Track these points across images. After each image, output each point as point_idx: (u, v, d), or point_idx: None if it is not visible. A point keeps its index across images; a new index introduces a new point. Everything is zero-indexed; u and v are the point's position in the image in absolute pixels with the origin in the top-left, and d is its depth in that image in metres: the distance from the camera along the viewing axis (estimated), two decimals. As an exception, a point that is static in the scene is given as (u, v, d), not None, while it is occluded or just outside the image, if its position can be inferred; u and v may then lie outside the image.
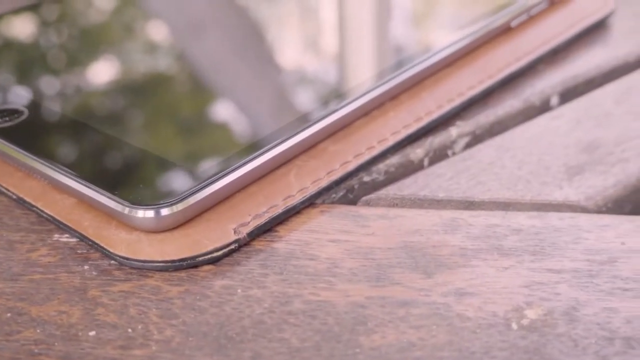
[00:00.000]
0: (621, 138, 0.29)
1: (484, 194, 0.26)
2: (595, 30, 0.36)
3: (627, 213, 0.26)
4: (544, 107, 0.31)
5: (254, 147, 0.25)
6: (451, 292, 0.22)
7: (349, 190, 0.27)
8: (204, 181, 0.24)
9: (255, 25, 0.35)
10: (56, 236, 0.25)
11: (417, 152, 0.28)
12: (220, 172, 0.24)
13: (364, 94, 0.28)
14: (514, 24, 0.33)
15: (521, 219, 0.25)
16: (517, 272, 0.23)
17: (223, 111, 0.29)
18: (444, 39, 0.31)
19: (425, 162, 0.28)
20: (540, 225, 0.24)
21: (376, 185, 0.27)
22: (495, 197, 0.26)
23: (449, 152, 0.29)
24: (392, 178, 0.27)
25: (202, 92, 0.30)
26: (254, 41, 0.33)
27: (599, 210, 0.26)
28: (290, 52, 0.33)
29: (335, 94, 0.28)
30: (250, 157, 0.25)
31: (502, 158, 0.28)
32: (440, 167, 0.28)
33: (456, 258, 0.23)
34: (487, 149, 0.28)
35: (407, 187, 0.27)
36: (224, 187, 0.24)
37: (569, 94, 0.32)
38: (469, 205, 0.26)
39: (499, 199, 0.26)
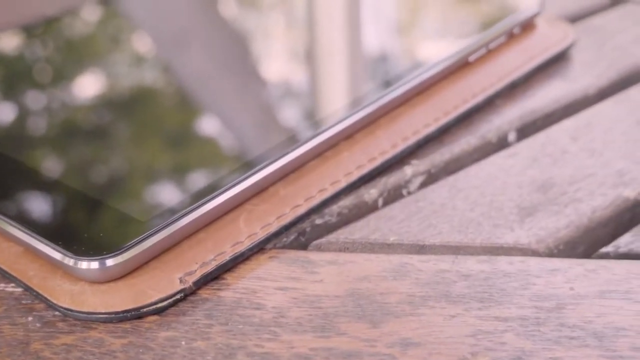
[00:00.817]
0: (575, 176, 0.28)
1: (434, 237, 0.26)
2: (555, 62, 0.36)
3: (579, 254, 0.26)
4: (500, 144, 0.31)
5: (201, 193, 0.25)
6: (397, 342, 0.22)
7: (300, 233, 0.26)
8: (150, 230, 0.24)
9: (202, 74, 0.35)
10: (1, 285, 0.24)
11: (371, 192, 0.28)
12: (167, 220, 0.24)
13: (317, 135, 0.28)
14: (472, 58, 0.33)
15: (471, 264, 0.25)
16: (464, 321, 0.22)
17: (169, 158, 0.29)
18: (400, 76, 0.31)
19: (380, 202, 0.28)
20: (490, 270, 0.24)
21: (329, 228, 0.27)
22: (445, 241, 0.26)
23: (404, 192, 0.29)
24: (345, 220, 0.27)
25: (148, 139, 0.30)
26: (202, 86, 0.33)
27: (550, 253, 0.26)
28: (240, 95, 0.33)
29: (287, 136, 0.28)
30: (198, 203, 0.25)
31: (455, 199, 0.28)
32: (393, 208, 0.27)
33: (404, 306, 0.23)
34: (440, 190, 0.28)
35: (359, 230, 0.26)
36: (171, 235, 0.24)
37: (526, 130, 0.32)
38: (420, 249, 0.26)
39: (449, 243, 0.26)
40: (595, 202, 0.27)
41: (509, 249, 0.25)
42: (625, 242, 0.26)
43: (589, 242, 0.26)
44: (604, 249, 0.26)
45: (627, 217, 0.28)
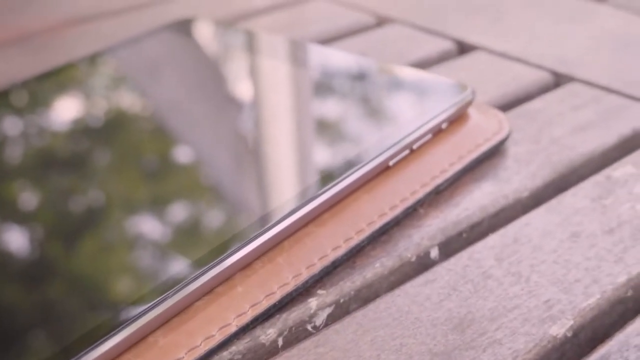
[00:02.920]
0: (497, 310, 0.26)
1: (332, 396, 0.23)
2: (488, 158, 0.33)
3: (497, 410, 0.23)
4: (420, 263, 0.28)
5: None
6: None
7: (183, 388, 0.23)
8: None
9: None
10: None
11: (268, 333, 0.25)
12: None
13: (208, 270, 0.25)
14: (392, 162, 0.30)
15: None
16: None
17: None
18: (306, 191, 0.28)
19: (280, 342, 0.25)
20: None
21: (218, 379, 0.24)
22: (344, 402, 0.23)
23: (309, 327, 0.26)
24: (238, 367, 0.24)
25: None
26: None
27: (462, 414, 0.23)
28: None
29: (169, 276, 0.25)
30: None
31: (360, 343, 0.25)
32: (291, 356, 0.24)
33: None
34: (345, 330, 0.25)
35: (250, 384, 0.23)
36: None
37: (450, 245, 0.29)
38: (314, 412, 0.23)
39: (348, 404, 0.23)
40: (518, 344, 0.24)
41: (415, 412, 0.22)
42: (547, 398, 0.23)
43: (509, 395, 0.23)
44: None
45: (553, 358, 0.25)
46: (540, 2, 0.49)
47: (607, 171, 0.32)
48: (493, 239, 0.29)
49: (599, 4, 0.49)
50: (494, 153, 0.33)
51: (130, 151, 0.32)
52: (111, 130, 0.34)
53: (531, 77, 0.40)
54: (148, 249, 0.26)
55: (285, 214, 0.27)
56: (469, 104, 0.33)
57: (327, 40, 0.45)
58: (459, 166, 0.31)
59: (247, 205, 0.29)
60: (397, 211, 0.29)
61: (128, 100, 0.37)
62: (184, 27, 0.41)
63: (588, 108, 0.37)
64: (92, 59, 0.38)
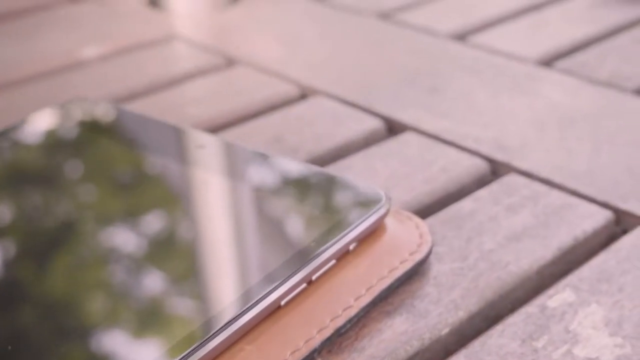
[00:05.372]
0: None
1: None
2: (405, 282, 0.28)
3: None
4: None
5: None
6: None
7: None
8: None
9: None
10: None
11: None
12: None
13: None
14: (285, 301, 0.26)
15: None
16: None
17: None
18: None
19: None
20: None
21: None
22: None
23: None
24: None
25: None
26: None
27: None
28: None
29: None
30: None
31: None
32: None
33: None
34: None
35: None
36: None
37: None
38: None
39: None
40: None
41: None
42: None
43: None
44: None
45: None
46: (480, 68, 0.45)
47: (542, 299, 0.28)
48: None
49: (544, 70, 0.44)
50: (413, 275, 0.29)
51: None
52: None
53: (464, 166, 0.35)
54: None
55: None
56: (382, 217, 0.29)
57: (242, 117, 0.41)
58: (367, 299, 0.27)
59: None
60: (287, 366, 0.24)
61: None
62: (69, 109, 0.36)
63: (525, 209, 0.32)
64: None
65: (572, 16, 0.52)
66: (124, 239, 0.29)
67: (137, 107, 0.41)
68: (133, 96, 0.43)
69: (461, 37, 0.49)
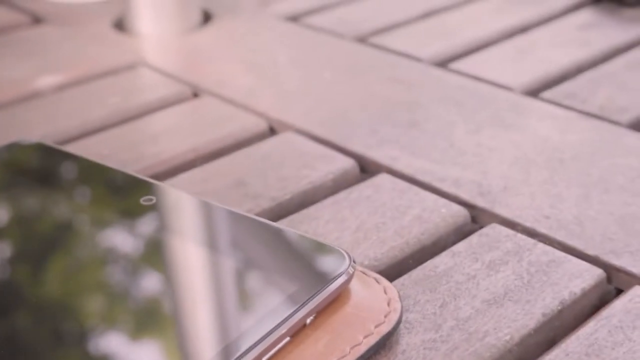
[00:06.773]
0: None
1: None
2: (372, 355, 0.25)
3: None
4: None
5: None
6: None
7: None
8: None
9: None
10: None
11: None
12: None
13: None
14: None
15: None
16: None
17: None
18: None
19: None
20: None
21: None
22: None
23: None
24: None
25: None
26: None
27: None
28: None
29: None
30: None
31: None
32: None
33: None
34: None
35: None
36: None
37: None
38: None
39: None
40: None
41: None
42: None
43: None
44: None
45: None
46: (462, 99, 0.41)
47: (523, 378, 0.25)
48: None
49: (530, 101, 0.41)
50: (381, 348, 0.25)
51: None
52: None
53: (441, 215, 0.32)
54: None
55: None
56: (345, 284, 0.26)
57: (204, 156, 0.37)
58: (325, 382, 0.24)
59: None
60: None
61: None
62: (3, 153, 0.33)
63: (507, 267, 0.29)
64: None
65: (561, 39, 0.49)
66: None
67: (90, 144, 0.38)
68: (87, 132, 0.40)
69: (442, 63, 0.46)
